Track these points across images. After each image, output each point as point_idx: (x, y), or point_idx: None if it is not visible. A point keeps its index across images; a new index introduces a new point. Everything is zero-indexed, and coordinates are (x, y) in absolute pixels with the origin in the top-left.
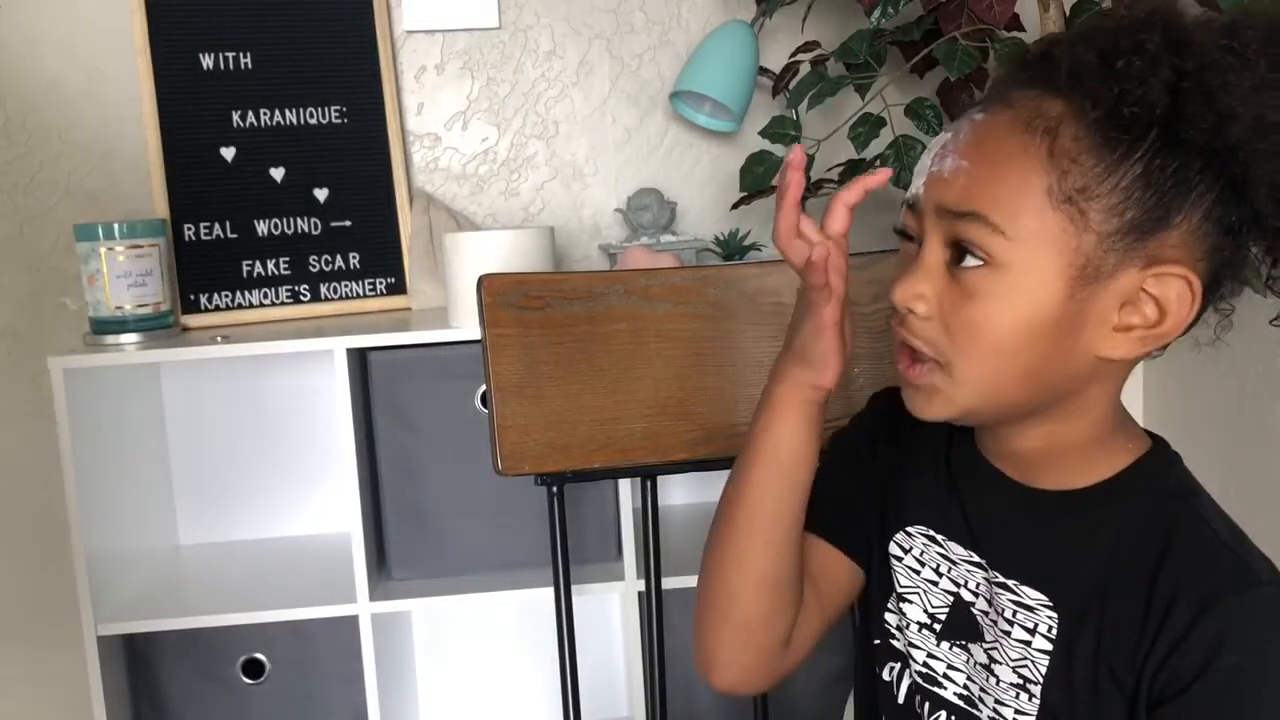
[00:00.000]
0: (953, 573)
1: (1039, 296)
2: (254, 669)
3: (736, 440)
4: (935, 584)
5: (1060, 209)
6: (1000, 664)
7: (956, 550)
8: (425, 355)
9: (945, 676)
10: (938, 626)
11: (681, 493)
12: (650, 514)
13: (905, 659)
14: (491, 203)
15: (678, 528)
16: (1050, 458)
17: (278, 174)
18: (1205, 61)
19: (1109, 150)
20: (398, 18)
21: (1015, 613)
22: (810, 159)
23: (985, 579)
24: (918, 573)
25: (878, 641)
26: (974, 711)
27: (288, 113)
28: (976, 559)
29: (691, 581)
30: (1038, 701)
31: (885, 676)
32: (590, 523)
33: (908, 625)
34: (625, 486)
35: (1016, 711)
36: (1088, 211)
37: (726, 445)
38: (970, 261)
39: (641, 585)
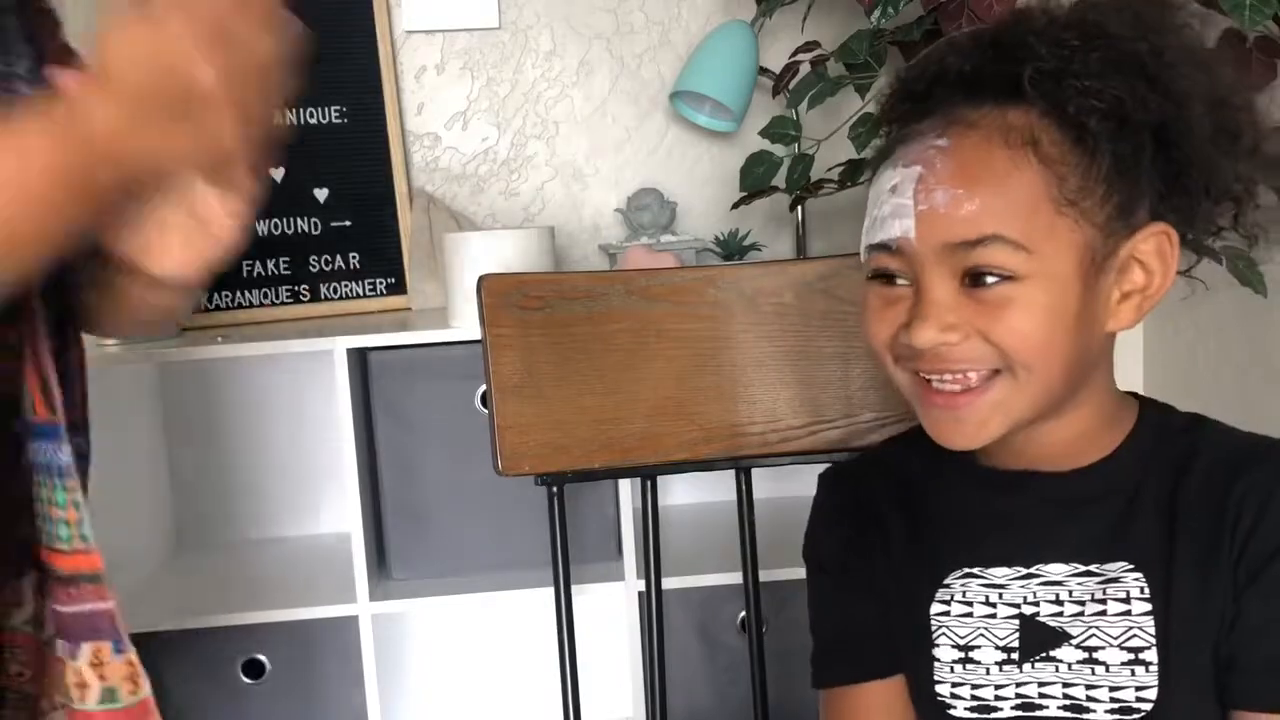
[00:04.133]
0: (1005, 596)
1: (1064, 297)
2: (254, 669)
3: (737, 440)
4: (993, 616)
5: (1064, 212)
6: (1104, 648)
7: (998, 573)
8: (425, 355)
9: (1042, 697)
10: (1015, 654)
11: (681, 493)
12: (650, 514)
13: None
14: (491, 203)
15: (678, 528)
16: (1078, 442)
17: (278, 174)
18: (1126, 50)
19: (1083, 146)
20: (398, 18)
21: (1105, 590)
22: (810, 159)
23: (1043, 583)
24: (970, 615)
25: None
26: (1085, 717)
27: (288, 113)
28: (1024, 570)
29: (691, 581)
30: (1156, 667)
31: None
32: (590, 523)
33: (986, 670)
34: (625, 486)
35: (1137, 689)
36: (1086, 208)
37: (726, 445)
38: (991, 279)
39: (641, 585)
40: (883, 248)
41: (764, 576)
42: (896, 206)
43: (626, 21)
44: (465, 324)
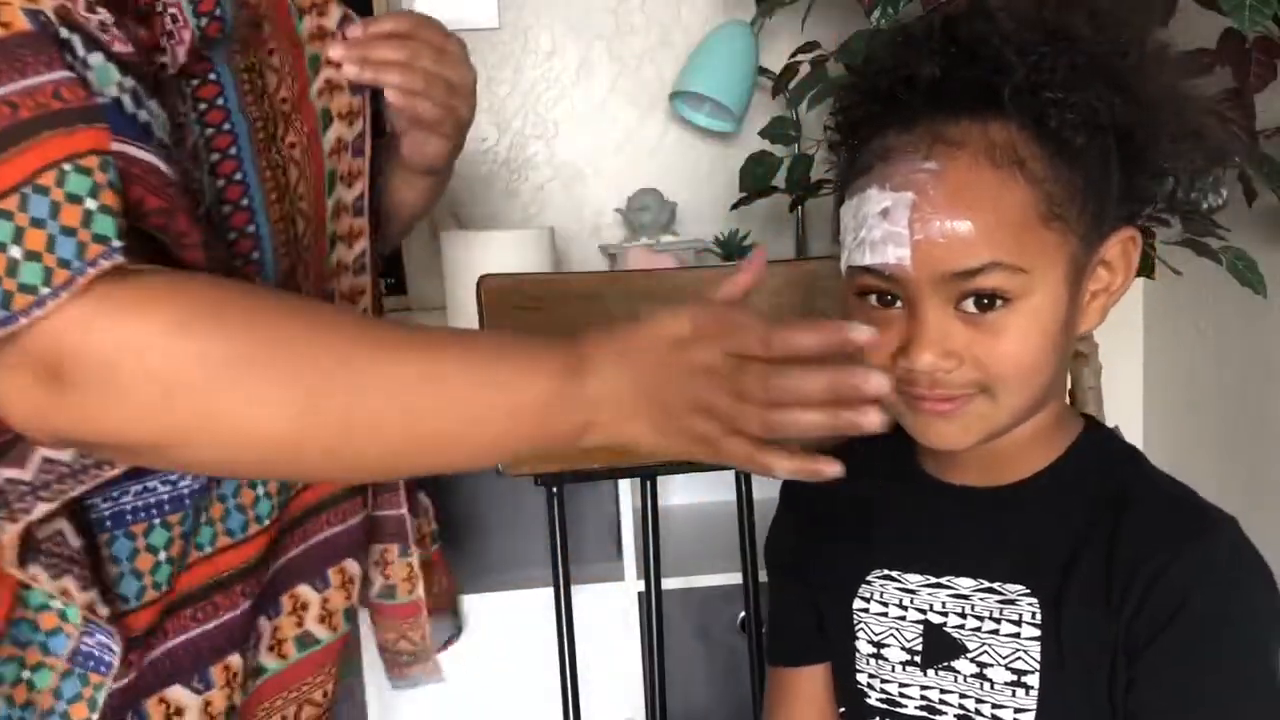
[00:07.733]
0: (915, 601)
1: (1056, 310)
2: None
3: None
4: (903, 618)
5: (1052, 226)
6: (992, 665)
7: (912, 579)
8: None
9: (942, 703)
10: (919, 658)
11: (681, 493)
12: (650, 514)
13: (878, 715)
14: (491, 203)
15: (678, 528)
16: (1018, 451)
17: None
18: (1091, 54)
19: (1062, 158)
20: None
21: (1001, 610)
22: (810, 159)
23: (952, 595)
24: (885, 615)
25: (843, 710)
26: None
27: None
28: (934, 580)
29: (691, 581)
30: (1035, 691)
31: None
32: (590, 523)
33: (893, 668)
34: (625, 486)
35: (1016, 710)
36: (1069, 220)
37: None
38: (988, 305)
39: (641, 585)
40: (873, 271)
41: (764, 576)
42: (889, 233)
43: (626, 21)
44: (465, 324)
